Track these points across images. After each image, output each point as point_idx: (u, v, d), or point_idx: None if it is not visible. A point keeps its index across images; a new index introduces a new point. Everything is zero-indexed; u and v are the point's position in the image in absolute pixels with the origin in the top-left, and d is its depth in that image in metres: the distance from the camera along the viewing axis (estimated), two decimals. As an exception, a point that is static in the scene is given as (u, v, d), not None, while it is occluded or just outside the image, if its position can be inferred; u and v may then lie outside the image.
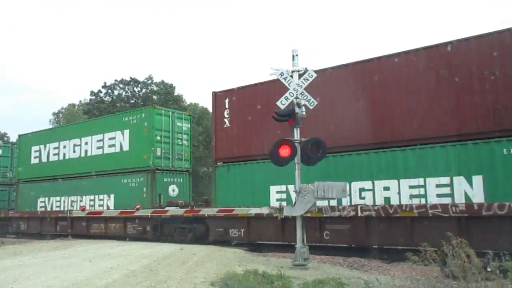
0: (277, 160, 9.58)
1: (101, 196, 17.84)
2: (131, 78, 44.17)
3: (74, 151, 19.44)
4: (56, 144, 20.40)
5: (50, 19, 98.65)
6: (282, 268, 8.57)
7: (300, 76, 9.78)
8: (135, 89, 44.61)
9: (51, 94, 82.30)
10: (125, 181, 17.01)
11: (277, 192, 12.73)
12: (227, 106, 14.28)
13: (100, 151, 18.26)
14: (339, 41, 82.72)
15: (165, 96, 41.90)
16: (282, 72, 9.83)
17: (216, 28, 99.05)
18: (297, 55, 9.90)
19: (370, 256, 10.74)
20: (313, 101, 9.68)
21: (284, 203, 11.73)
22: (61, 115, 50.58)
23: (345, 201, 11.32)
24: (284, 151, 9.31)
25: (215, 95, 14.73)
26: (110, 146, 17.83)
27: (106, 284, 7.21)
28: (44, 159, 20.94)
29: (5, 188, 24.35)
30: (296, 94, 9.59)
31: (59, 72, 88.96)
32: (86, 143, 18.90)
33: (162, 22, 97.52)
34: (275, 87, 11.80)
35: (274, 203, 12.30)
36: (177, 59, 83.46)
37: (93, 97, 44.13)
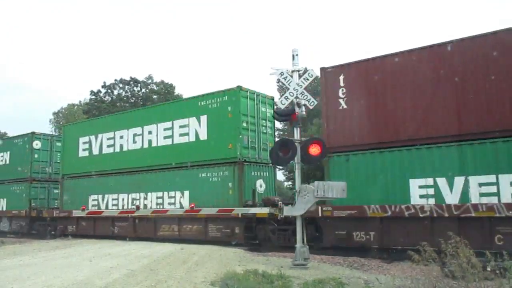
0: (277, 160, 9.60)
1: (171, 193, 15.33)
2: (131, 77, 44.23)
3: (134, 142, 16.88)
4: (110, 134, 17.86)
5: (50, 19, 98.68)
6: (282, 268, 8.58)
7: (300, 76, 9.80)
8: (135, 88, 44.65)
9: (51, 94, 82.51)
10: (204, 175, 14.47)
11: (421, 187, 10.37)
12: (342, 84, 11.80)
13: (168, 141, 15.69)
14: (339, 41, 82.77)
15: (165, 96, 41.92)
16: (282, 72, 9.85)
17: (216, 28, 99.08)
18: (297, 55, 9.91)
19: (370, 256, 10.69)
20: (313, 101, 9.70)
21: (432, 201, 10.08)
22: (61, 115, 50.68)
23: None
24: (284, 152, 9.34)
25: (325, 71, 12.15)
26: (182, 135, 15.28)
27: (106, 283, 7.22)
28: (95, 152, 18.41)
29: (44, 185, 21.69)
30: (296, 94, 9.60)
31: (59, 72, 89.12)
32: (150, 132, 16.30)
33: (162, 22, 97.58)
34: (412, 60, 10.76)
35: (416, 201, 10.32)
36: (177, 59, 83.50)
37: (93, 97, 44.14)
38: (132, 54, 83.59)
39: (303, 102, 9.56)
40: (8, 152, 22.60)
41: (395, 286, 7.01)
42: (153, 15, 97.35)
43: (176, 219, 15.05)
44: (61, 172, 20.15)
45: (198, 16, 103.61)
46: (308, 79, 9.74)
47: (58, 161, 21.56)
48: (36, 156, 21.51)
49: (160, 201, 15.68)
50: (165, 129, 15.84)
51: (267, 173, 14.96)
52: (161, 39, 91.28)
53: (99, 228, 17.72)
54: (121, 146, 17.40)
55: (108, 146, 17.94)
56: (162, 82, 44.69)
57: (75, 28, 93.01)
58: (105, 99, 43.83)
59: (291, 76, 9.79)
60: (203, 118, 14.70)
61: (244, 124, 14.09)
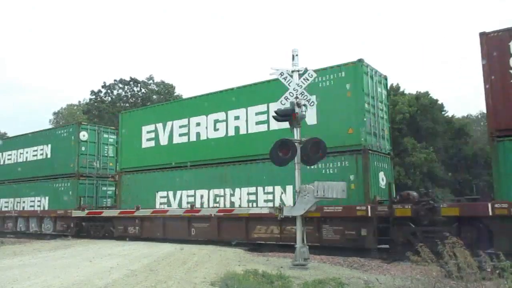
0: (277, 160, 9.61)
1: (268, 188, 12.95)
2: (131, 78, 44.29)
3: (216, 129, 14.55)
4: (183, 121, 15.46)
5: (50, 19, 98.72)
6: (282, 268, 8.58)
7: (300, 76, 9.80)
8: (134, 89, 44.70)
9: (51, 94, 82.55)
10: (314, 166, 11.49)
11: None
12: None
13: (262, 127, 13.34)
14: (339, 41, 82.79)
15: (165, 96, 41.97)
16: (282, 72, 9.84)
17: (216, 28, 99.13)
18: (297, 55, 9.91)
19: (370, 256, 10.70)
20: (313, 101, 9.73)
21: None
22: (61, 115, 50.78)
23: None
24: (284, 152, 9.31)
25: (486, 37, 9.93)
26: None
27: (106, 284, 7.21)
28: (163, 142, 16.06)
29: (92, 181, 19.46)
30: (296, 94, 9.60)
31: (59, 72, 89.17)
32: (237, 118, 14.02)
33: (162, 22, 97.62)
34: None
35: None
36: (177, 59, 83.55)
37: (93, 97, 44.18)
38: (132, 54, 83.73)
39: (303, 102, 9.56)
40: (49, 145, 20.31)
41: (395, 286, 7.03)
42: (153, 15, 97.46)
43: (277, 219, 12.85)
44: (119, 166, 17.98)
45: (198, 17, 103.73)
46: (308, 79, 9.74)
47: (106, 154, 20.13)
48: (83, 148, 19.27)
49: (252, 197, 13.36)
50: (257, 114, 13.59)
51: (385, 165, 12.79)
52: (161, 39, 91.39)
53: (171, 229, 15.29)
54: (198, 134, 15.05)
55: (181, 135, 15.56)
56: (163, 82, 44.77)
57: (75, 28, 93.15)
58: (105, 99, 43.87)
59: (291, 76, 9.79)
60: (312, 99, 13.05)
61: (366, 106, 11.87)
